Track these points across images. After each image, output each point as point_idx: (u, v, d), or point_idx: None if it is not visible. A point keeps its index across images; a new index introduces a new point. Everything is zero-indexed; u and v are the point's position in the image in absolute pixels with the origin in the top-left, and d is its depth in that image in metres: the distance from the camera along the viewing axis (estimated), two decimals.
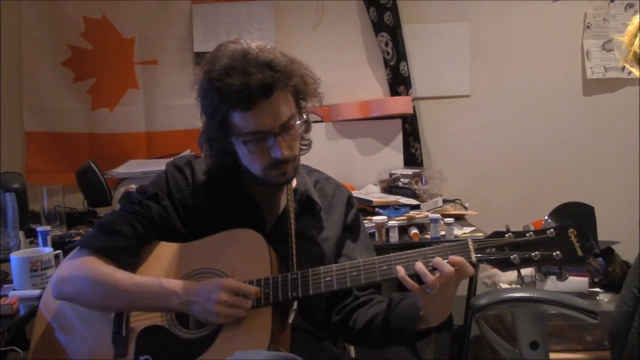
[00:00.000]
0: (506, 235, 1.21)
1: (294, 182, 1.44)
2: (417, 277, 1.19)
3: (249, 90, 1.22)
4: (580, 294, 2.22)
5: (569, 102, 2.98)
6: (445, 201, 2.59)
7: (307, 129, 1.40)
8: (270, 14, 2.86)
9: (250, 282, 1.25)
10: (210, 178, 1.42)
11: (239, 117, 1.26)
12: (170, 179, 1.41)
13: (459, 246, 1.21)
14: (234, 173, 1.39)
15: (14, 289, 1.72)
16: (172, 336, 1.28)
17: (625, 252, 2.44)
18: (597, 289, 2.43)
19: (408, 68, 2.88)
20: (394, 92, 2.89)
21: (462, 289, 2.16)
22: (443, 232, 2.25)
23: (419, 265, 1.18)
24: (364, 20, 2.90)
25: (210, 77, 1.26)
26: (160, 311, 1.29)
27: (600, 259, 2.43)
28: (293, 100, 1.31)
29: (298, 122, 1.31)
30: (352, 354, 1.69)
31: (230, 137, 1.31)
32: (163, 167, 1.45)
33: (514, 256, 1.19)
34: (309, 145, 1.44)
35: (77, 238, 2.24)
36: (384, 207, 2.39)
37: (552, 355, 1.72)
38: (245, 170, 1.36)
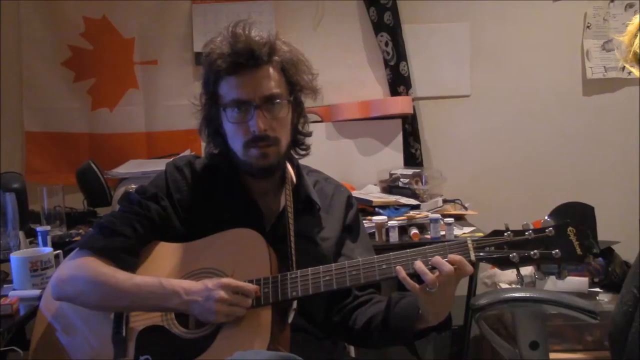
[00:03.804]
0: (505, 234, 1.21)
1: (294, 182, 1.44)
2: (416, 276, 1.19)
3: (233, 55, 1.28)
4: (580, 294, 2.22)
5: (569, 102, 2.98)
6: (445, 201, 2.59)
7: (299, 118, 1.41)
8: (270, 14, 2.86)
9: (250, 282, 1.25)
10: (210, 178, 1.42)
11: (225, 84, 1.32)
12: (170, 179, 1.41)
13: (458, 245, 1.21)
14: (232, 169, 1.40)
15: (14, 289, 1.72)
16: (172, 336, 1.28)
17: (625, 252, 2.43)
18: (597, 289, 2.42)
19: (408, 68, 2.89)
20: (394, 92, 2.89)
21: (462, 289, 2.16)
22: (443, 232, 2.25)
23: (419, 264, 1.18)
24: (364, 20, 2.91)
25: (205, 53, 1.34)
26: (161, 311, 1.29)
27: (600, 259, 2.43)
28: (283, 80, 1.34)
29: (279, 100, 1.32)
30: (352, 354, 1.69)
31: (218, 108, 1.34)
32: (163, 167, 1.45)
33: (513, 255, 1.19)
34: (308, 149, 1.45)
35: (77, 238, 2.24)
36: (384, 207, 2.38)
37: (552, 355, 1.72)
38: (234, 156, 1.37)
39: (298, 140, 1.44)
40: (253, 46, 1.28)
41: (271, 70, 1.32)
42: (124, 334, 1.29)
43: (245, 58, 1.29)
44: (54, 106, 2.88)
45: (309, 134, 1.45)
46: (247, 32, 1.30)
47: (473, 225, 2.41)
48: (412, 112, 2.84)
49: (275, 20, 2.86)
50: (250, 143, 1.32)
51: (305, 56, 1.40)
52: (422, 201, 2.50)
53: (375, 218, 2.27)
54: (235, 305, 1.21)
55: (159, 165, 1.97)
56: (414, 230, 2.28)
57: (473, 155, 2.98)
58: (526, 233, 1.20)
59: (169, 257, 1.35)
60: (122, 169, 2.63)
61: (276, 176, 1.42)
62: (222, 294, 1.20)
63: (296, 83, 1.36)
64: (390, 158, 2.82)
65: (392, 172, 2.71)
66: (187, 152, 2.72)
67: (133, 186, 2.38)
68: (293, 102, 1.37)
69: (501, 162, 2.98)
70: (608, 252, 2.44)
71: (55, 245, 1.98)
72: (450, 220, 2.27)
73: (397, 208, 2.38)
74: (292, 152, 1.44)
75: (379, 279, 1.23)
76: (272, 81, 1.31)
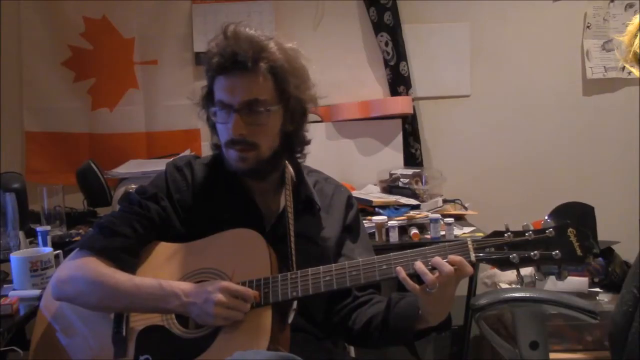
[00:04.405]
0: (505, 234, 1.21)
1: (294, 182, 1.44)
2: (416, 276, 1.19)
3: (221, 56, 1.29)
4: (580, 294, 2.22)
5: (569, 102, 2.98)
6: (445, 201, 2.59)
7: (292, 125, 1.37)
8: (270, 14, 2.86)
9: (250, 282, 1.25)
10: (210, 178, 1.42)
11: (217, 83, 1.33)
12: (170, 180, 1.41)
13: (459, 246, 1.21)
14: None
15: (14, 289, 1.72)
16: (172, 336, 1.28)
17: (625, 252, 2.44)
18: (597, 289, 2.43)
19: (408, 68, 2.89)
20: (394, 92, 2.89)
21: (462, 289, 2.16)
22: (443, 232, 2.25)
23: (419, 265, 1.18)
24: (364, 20, 2.91)
25: (206, 49, 1.35)
26: (159, 312, 1.29)
27: (600, 259, 2.43)
28: (271, 86, 1.31)
29: (260, 107, 1.30)
30: (352, 354, 1.69)
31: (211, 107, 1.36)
32: (163, 167, 1.45)
33: (513, 256, 1.19)
34: (303, 157, 1.44)
35: (77, 238, 2.25)
36: (384, 207, 2.39)
37: (552, 355, 1.72)
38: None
39: (293, 147, 1.41)
40: (238, 50, 1.27)
41: (258, 75, 1.29)
42: (124, 333, 1.29)
43: (231, 62, 1.28)
44: (54, 106, 2.88)
45: (307, 142, 1.43)
46: (237, 35, 1.29)
47: (473, 225, 2.42)
48: (412, 112, 2.84)
49: (275, 20, 2.86)
50: (229, 144, 1.33)
51: (306, 58, 1.37)
52: (422, 201, 2.51)
53: (375, 218, 2.27)
54: (234, 309, 1.21)
55: (159, 165, 1.97)
56: (414, 230, 2.28)
57: (473, 155, 2.98)
58: (526, 234, 1.20)
59: (169, 258, 1.35)
60: (122, 169, 2.63)
61: (274, 176, 1.42)
62: (220, 297, 1.20)
63: (287, 90, 1.33)
64: (390, 158, 2.82)
65: (392, 172, 2.71)
66: (187, 152, 2.72)
67: (133, 186, 2.38)
68: (284, 109, 1.34)
69: (501, 162, 2.98)
70: (608, 252, 2.44)
71: (55, 245, 1.98)
72: (450, 220, 2.27)
73: (397, 208, 2.38)
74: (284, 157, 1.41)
75: (379, 280, 1.22)
76: (256, 87, 1.29)
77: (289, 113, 1.36)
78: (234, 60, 1.28)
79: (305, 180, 1.46)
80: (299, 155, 1.44)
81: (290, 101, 1.34)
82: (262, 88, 1.30)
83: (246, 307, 1.22)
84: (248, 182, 1.41)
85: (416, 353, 1.33)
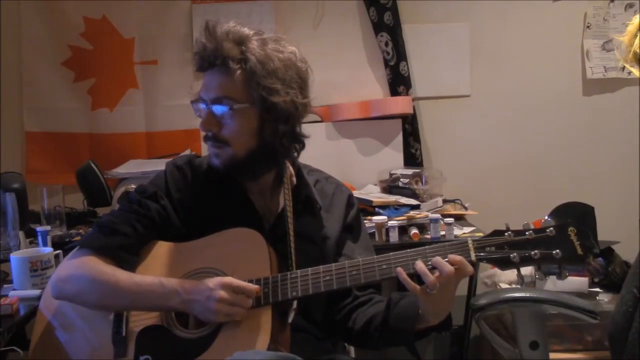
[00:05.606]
0: (506, 234, 1.21)
1: (294, 182, 1.44)
2: (417, 276, 1.19)
3: (199, 53, 1.31)
4: (580, 294, 2.22)
5: (569, 102, 2.98)
6: (445, 201, 2.59)
7: (273, 127, 1.31)
8: (270, 14, 2.86)
9: (250, 282, 1.25)
10: (210, 177, 1.41)
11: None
12: (170, 179, 1.41)
13: (459, 245, 1.21)
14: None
15: (14, 289, 1.72)
16: (172, 336, 1.28)
17: (625, 252, 2.44)
18: (597, 289, 2.42)
19: (408, 68, 2.89)
20: (394, 92, 2.89)
21: (462, 289, 2.16)
22: (443, 232, 2.25)
23: (419, 265, 1.18)
24: (364, 20, 2.91)
25: None
26: (161, 310, 1.29)
27: (600, 259, 2.43)
28: (242, 86, 1.28)
29: (226, 106, 1.28)
30: (352, 354, 1.69)
31: None
32: (163, 167, 1.45)
33: (513, 255, 1.19)
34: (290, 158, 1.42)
35: (77, 238, 2.25)
36: (384, 207, 2.39)
37: (552, 355, 1.72)
38: None
39: (276, 150, 1.35)
40: (210, 48, 1.28)
41: (229, 73, 1.27)
42: (123, 333, 1.29)
43: (202, 60, 1.30)
44: (54, 106, 2.88)
45: (300, 145, 1.38)
46: (213, 32, 1.29)
47: (473, 225, 2.42)
48: (412, 112, 2.84)
49: (275, 20, 2.86)
50: (204, 139, 1.35)
51: (305, 56, 1.34)
52: (422, 201, 2.51)
53: (375, 218, 2.27)
54: (236, 305, 1.21)
55: (159, 165, 1.97)
56: (414, 230, 2.28)
57: (473, 155, 2.98)
58: (527, 233, 1.20)
59: (169, 257, 1.35)
60: (122, 169, 2.63)
61: (268, 177, 1.40)
62: (222, 293, 1.20)
63: (257, 90, 1.27)
64: (390, 158, 2.82)
65: (392, 172, 2.71)
66: (187, 152, 2.72)
67: (133, 186, 2.38)
68: (259, 109, 1.29)
69: (501, 162, 2.98)
70: (608, 252, 2.44)
71: (55, 245, 1.98)
72: (450, 220, 2.27)
73: (397, 208, 2.38)
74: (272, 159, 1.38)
75: (379, 279, 1.22)
76: (226, 84, 1.29)
77: (269, 114, 1.30)
78: (207, 57, 1.29)
79: (305, 180, 1.46)
80: (291, 156, 1.41)
81: (264, 102, 1.28)
82: (232, 86, 1.29)
83: (248, 303, 1.22)
84: (243, 181, 1.40)
85: (416, 353, 1.33)
